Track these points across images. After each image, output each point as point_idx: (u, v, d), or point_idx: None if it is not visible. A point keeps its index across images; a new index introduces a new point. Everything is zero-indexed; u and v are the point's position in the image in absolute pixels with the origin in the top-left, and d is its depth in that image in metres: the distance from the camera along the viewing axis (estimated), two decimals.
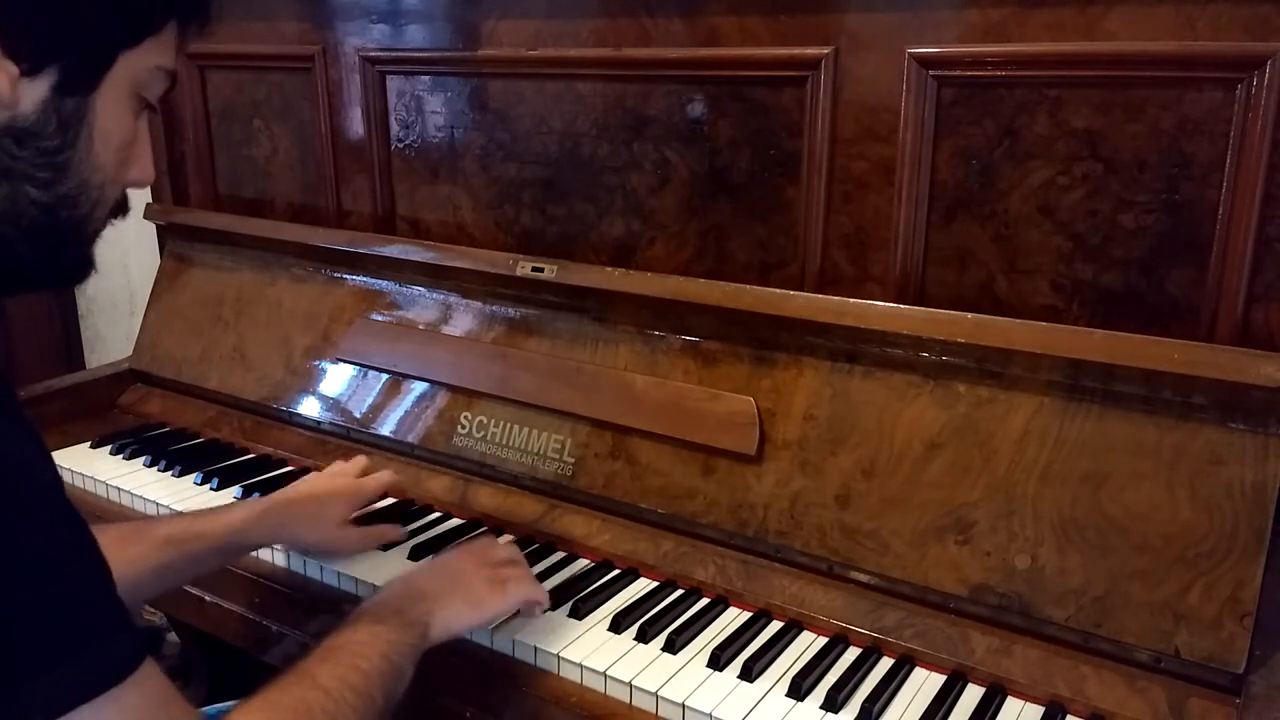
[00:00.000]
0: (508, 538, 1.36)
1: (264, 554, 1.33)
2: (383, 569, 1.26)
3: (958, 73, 1.19)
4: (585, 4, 1.43)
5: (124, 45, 0.78)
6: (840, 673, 1.08)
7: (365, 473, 1.36)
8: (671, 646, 1.11)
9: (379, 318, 1.60)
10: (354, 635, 0.95)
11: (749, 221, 1.38)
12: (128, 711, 0.70)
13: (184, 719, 0.77)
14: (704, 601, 1.21)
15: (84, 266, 0.83)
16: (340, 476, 1.33)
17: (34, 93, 0.73)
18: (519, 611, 1.14)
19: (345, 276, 1.67)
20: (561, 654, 1.10)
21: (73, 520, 0.72)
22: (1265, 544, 0.99)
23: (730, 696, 1.04)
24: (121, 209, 0.85)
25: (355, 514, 1.32)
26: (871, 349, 1.20)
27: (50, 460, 0.74)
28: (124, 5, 0.77)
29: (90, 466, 1.57)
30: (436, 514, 1.43)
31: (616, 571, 1.27)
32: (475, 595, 1.07)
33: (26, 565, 0.67)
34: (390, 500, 1.46)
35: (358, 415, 1.57)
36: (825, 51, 1.26)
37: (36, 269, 0.80)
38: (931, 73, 1.20)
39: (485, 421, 1.45)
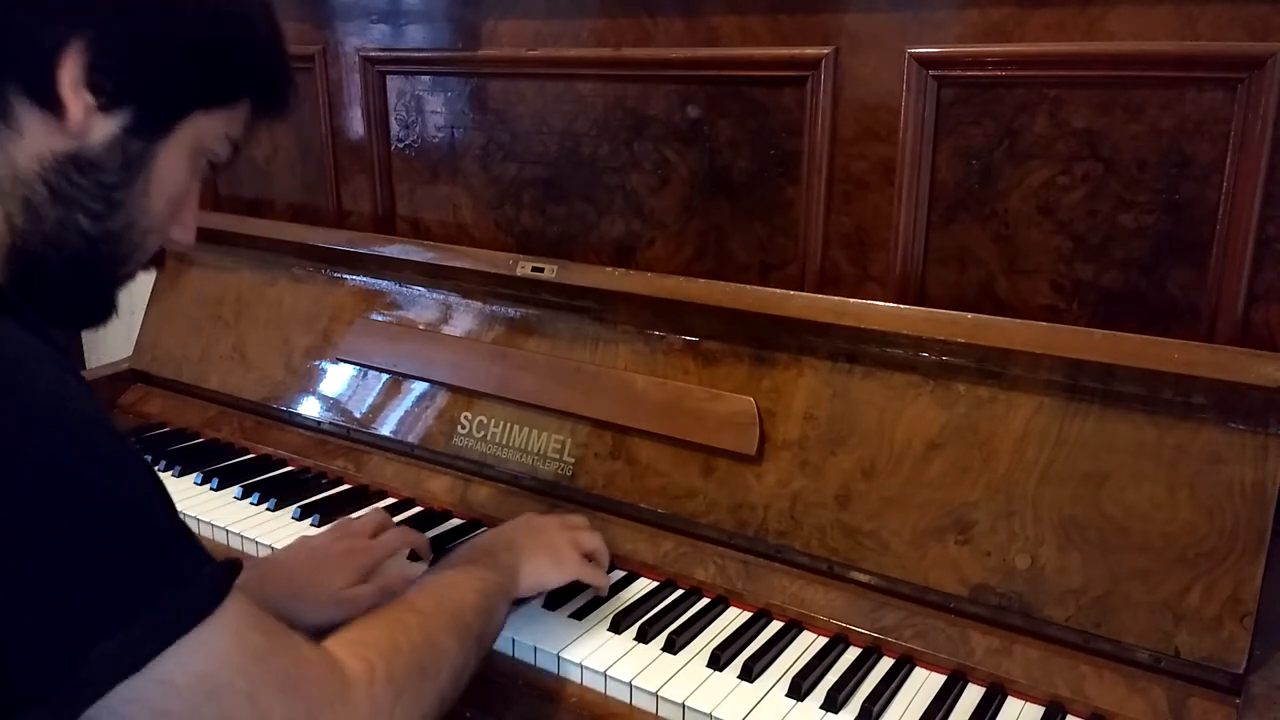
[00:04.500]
0: None
1: (265, 543, 1.33)
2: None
3: (958, 73, 1.19)
4: (585, 4, 1.43)
5: (198, 106, 0.81)
6: (840, 673, 1.07)
7: (379, 529, 1.23)
8: (671, 646, 1.11)
9: (379, 318, 1.60)
10: (448, 573, 1.01)
11: (749, 221, 1.38)
12: (226, 633, 0.71)
13: (279, 633, 0.77)
14: (704, 601, 1.21)
15: (106, 309, 0.85)
16: (348, 538, 1.19)
17: (105, 128, 0.76)
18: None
19: (345, 276, 1.67)
20: (562, 654, 1.10)
21: (141, 465, 0.72)
22: (1265, 544, 0.99)
23: (730, 696, 1.04)
24: (157, 261, 0.87)
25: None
26: (871, 349, 1.20)
27: (106, 413, 0.74)
28: (205, 69, 0.80)
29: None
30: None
31: (616, 572, 1.27)
32: (559, 553, 1.14)
33: (114, 514, 0.68)
34: (391, 500, 1.47)
35: (358, 415, 1.57)
36: (825, 51, 1.26)
37: (67, 301, 0.82)
38: (931, 73, 1.20)
39: (485, 421, 1.45)
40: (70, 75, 0.73)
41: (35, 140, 0.74)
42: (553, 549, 1.14)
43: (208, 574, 0.72)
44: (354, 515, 1.30)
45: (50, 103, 0.74)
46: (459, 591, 0.97)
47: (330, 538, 1.20)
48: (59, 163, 0.75)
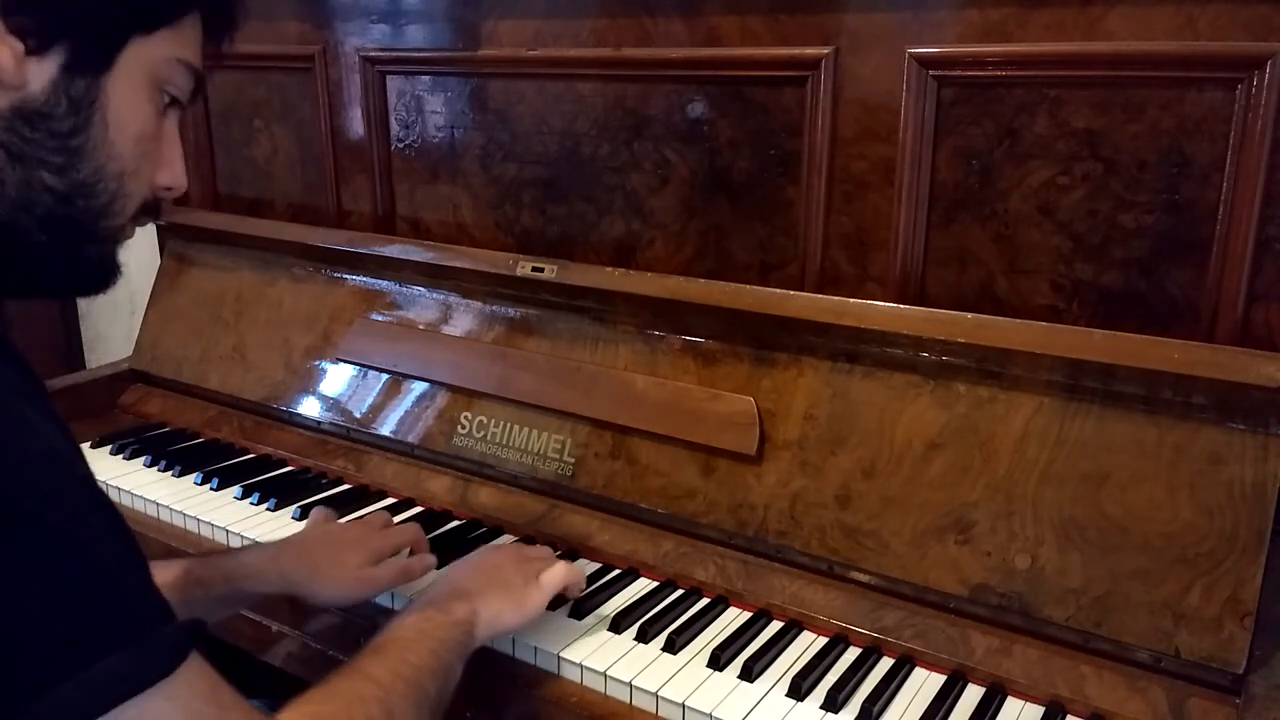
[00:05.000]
0: (507, 538, 1.37)
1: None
2: None
3: (958, 73, 1.19)
4: (585, 4, 1.43)
5: (136, 29, 0.76)
6: (840, 673, 1.08)
7: (385, 528, 1.23)
8: (671, 646, 1.11)
9: (379, 318, 1.60)
10: (401, 633, 0.95)
11: (749, 221, 1.38)
12: (176, 703, 0.68)
13: (234, 708, 0.74)
14: (704, 601, 1.21)
15: (107, 268, 0.81)
16: (360, 526, 1.22)
17: (43, 73, 0.72)
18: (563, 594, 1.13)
19: (345, 276, 1.67)
20: (562, 654, 1.10)
21: (109, 510, 0.70)
22: (1265, 544, 0.99)
23: (730, 696, 1.04)
24: (150, 212, 0.83)
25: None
26: (871, 349, 1.20)
27: (80, 453, 0.72)
28: None
29: (90, 467, 1.57)
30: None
31: (616, 572, 1.27)
32: (515, 591, 1.06)
33: (67, 559, 0.65)
34: (391, 500, 1.47)
35: (358, 415, 1.57)
36: (825, 51, 1.26)
37: (56, 266, 0.78)
38: (931, 73, 1.20)
39: (485, 421, 1.45)
40: None
41: None
42: (508, 589, 1.06)
43: (168, 633, 0.69)
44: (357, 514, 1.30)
45: None
46: (414, 655, 0.92)
47: (342, 527, 1.23)
48: (5, 120, 0.71)
